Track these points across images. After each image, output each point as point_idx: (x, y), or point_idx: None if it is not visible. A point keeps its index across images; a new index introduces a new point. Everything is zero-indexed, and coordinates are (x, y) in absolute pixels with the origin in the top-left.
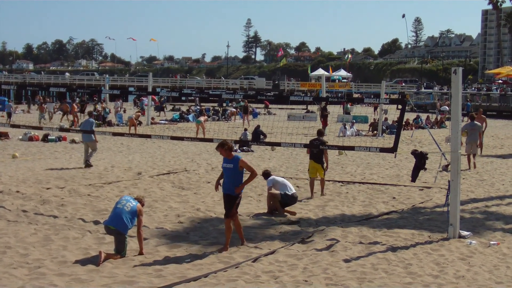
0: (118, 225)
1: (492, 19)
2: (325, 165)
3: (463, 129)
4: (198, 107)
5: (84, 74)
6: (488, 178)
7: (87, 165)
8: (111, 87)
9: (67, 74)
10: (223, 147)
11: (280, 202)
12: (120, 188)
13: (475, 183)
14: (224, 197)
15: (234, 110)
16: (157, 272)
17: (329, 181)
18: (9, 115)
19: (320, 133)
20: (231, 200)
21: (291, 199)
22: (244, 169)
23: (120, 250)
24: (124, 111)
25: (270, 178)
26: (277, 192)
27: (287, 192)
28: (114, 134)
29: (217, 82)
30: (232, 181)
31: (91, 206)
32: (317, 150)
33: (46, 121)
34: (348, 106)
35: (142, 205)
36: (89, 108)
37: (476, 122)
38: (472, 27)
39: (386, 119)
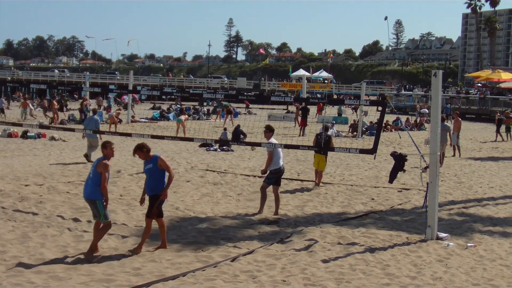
0: (86, 193)
1: (472, 23)
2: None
3: None
4: (179, 106)
5: (53, 71)
6: (466, 181)
7: (88, 160)
8: (92, 85)
9: (56, 70)
10: (142, 150)
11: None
12: None
13: (453, 185)
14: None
15: (220, 109)
16: (135, 270)
17: (308, 181)
18: (2, 110)
19: (326, 128)
20: (153, 200)
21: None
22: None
23: (96, 215)
24: (104, 109)
25: (273, 142)
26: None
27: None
28: (94, 132)
29: (187, 80)
30: (154, 181)
31: (70, 203)
32: (325, 141)
33: (28, 117)
34: (342, 107)
35: (107, 156)
36: (72, 105)
37: (445, 123)
38: (452, 31)
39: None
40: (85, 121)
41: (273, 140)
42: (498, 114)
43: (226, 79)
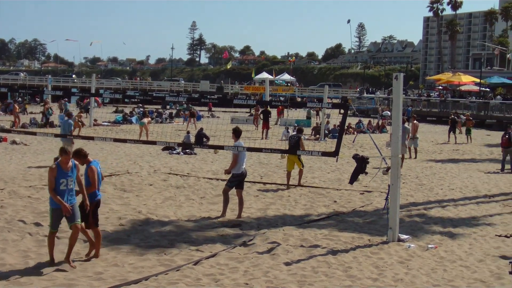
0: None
1: (433, 26)
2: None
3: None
4: (142, 109)
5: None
6: (427, 183)
7: None
8: (54, 88)
9: (21, 74)
10: (79, 155)
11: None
12: None
13: (414, 187)
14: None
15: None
16: (97, 275)
17: (271, 184)
18: None
19: (300, 130)
20: (84, 210)
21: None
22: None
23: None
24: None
25: (241, 143)
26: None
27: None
28: (56, 135)
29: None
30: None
31: (32, 208)
32: (293, 143)
33: None
34: (311, 111)
35: (77, 158)
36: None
37: (405, 125)
38: (414, 34)
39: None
40: (61, 125)
41: (240, 142)
42: (452, 116)
43: (183, 82)
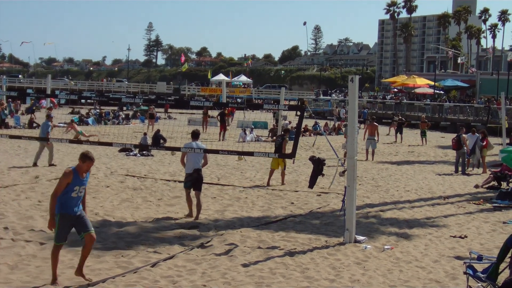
0: None
1: (388, 29)
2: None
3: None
4: (98, 110)
5: None
6: (383, 184)
7: (51, 165)
8: (8, 89)
9: None
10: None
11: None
12: (16, 192)
13: (370, 189)
14: None
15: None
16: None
17: (228, 185)
18: None
19: (287, 130)
20: None
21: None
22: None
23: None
24: (22, 114)
25: (192, 144)
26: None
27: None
28: (11, 136)
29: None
30: None
31: None
32: (278, 144)
33: None
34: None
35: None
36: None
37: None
38: (369, 37)
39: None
40: (41, 127)
41: (192, 143)
42: (398, 117)
43: (126, 82)
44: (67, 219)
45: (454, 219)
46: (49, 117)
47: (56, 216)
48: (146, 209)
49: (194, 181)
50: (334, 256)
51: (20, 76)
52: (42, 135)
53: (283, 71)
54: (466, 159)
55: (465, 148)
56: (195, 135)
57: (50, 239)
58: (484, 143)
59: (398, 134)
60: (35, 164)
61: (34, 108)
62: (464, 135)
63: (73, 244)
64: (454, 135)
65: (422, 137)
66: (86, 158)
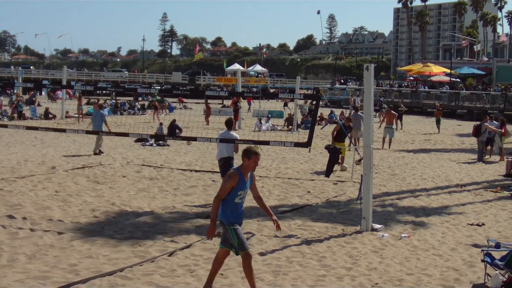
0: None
1: (403, 17)
2: None
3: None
4: (114, 101)
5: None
6: (400, 173)
7: (96, 153)
8: (25, 80)
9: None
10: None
11: None
12: (33, 183)
13: (387, 177)
14: None
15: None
16: (72, 267)
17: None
18: None
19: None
20: None
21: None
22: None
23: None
24: (39, 104)
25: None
26: None
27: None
28: (28, 128)
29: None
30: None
31: (4, 200)
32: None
33: None
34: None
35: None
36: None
37: (358, 113)
38: (384, 25)
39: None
40: (92, 116)
41: (228, 133)
42: (403, 107)
43: (126, 72)
44: (238, 226)
45: (472, 207)
46: (101, 107)
47: (228, 229)
48: (163, 199)
49: (221, 168)
50: (351, 244)
51: (31, 67)
52: (97, 124)
53: (298, 60)
54: (489, 147)
55: (484, 136)
56: (229, 124)
57: (67, 229)
58: (503, 130)
59: (399, 121)
60: (98, 153)
61: (33, 99)
62: (486, 123)
63: (90, 233)
64: (471, 123)
65: (437, 125)
66: (252, 154)
